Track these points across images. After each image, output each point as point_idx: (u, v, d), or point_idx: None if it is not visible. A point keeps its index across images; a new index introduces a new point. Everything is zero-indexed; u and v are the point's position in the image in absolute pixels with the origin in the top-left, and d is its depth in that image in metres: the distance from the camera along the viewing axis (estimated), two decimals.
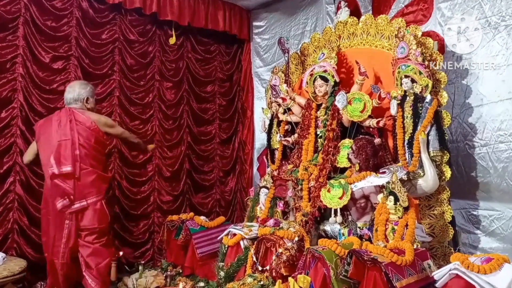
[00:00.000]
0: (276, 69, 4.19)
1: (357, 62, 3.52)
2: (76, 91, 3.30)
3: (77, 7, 4.13)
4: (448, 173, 3.01)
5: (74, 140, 3.10)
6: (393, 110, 3.19)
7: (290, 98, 3.91)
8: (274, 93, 4.06)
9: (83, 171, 3.10)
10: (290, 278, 2.60)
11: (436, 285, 2.31)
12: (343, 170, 3.36)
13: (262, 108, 4.42)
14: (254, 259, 3.08)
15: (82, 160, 3.11)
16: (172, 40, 4.77)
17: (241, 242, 3.30)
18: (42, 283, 3.30)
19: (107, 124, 3.35)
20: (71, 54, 4.10)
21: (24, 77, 3.85)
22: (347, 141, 3.36)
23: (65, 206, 3.03)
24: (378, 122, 3.27)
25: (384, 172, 3.03)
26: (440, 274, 2.27)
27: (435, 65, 3.17)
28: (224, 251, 3.38)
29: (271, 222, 3.28)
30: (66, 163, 3.07)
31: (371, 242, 2.74)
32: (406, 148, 3.10)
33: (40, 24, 3.94)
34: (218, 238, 3.55)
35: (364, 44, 3.70)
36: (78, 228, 3.09)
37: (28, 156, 3.43)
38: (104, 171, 3.32)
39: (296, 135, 3.87)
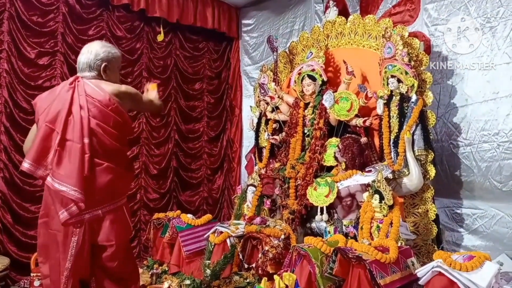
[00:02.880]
0: (264, 67, 4.19)
1: (344, 62, 3.54)
2: (92, 53, 2.24)
3: (64, 3, 4.09)
4: (432, 172, 3.05)
5: (83, 124, 2.07)
6: (380, 109, 3.22)
7: (278, 97, 3.92)
8: (263, 91, 4.07)
9: (97, 168, 2.11)
10: (275, 276, 2.61)
11: (419, 282, 2.34)
12: (329, 168, 3.38)
13: (250, 106, 4.42)
14: (241, 257, 3.09)
15: (94, 152, 2.10)
16: (160, 37, 4.74)
17: (228, 240, 3.30)
18: (25, 281, 3.26)
19: (131, 97, 2.27)
20: (57, 50, 4.06)
21: (8, 72, 3.80)
22: (334, 140, 3.39)
23: (72, 216, 2.06)
24: (364, 121, 3.29)
25: (370, 171, 3.06)
26: (423, 272, 2.30)
27: (421, 65, 3.21)
28: (211, 249, 3.38)
29: (257, 220, 3.28)
30: (63, 157, 2.07)
31: (356, 240, 2.76)
32: (392, 147, 3.13)
33: (26, 19, 3.88)
34: (205, 236, 3.55)
35: (351, 44, 3.73)
36: (91, 247, 2.15)
37: (28, 144, 2.34)
38: (126, 167, 2.34)
39: (283, 133, 3.88)
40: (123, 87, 2.27)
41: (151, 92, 2.65)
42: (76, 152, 2.06)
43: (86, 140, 2.08)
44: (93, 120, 2.11)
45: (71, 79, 2.22)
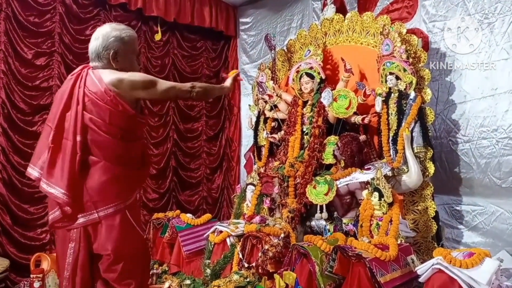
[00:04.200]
0: (262, 65, 4.18)
1: (342, 59, 3.53)
2: (99, 39, 1.99)
3: (61, 3, 4.07)
4: (431, 169, 3.04)
5: (77, 119, 1.85)
6: (378, 107, 3.21)
7: (277, 95, 3.91)
8: (261, 90, 4.06)
9: (92, 167, 1.89)
10: (275, 275, 2.61)
11: (420, 279, 2.33)
12: (328, 166, 3.38)
13: (249, 105, 4.41)
14: (240, 256, 3.08)
15: (89, 150, 1.88)
16: (158, 36, 4.73)
17: (227, 239, 3.30)
18: (26, 283, 3.25)
19: (136, 85, 1.94)
20: (54, 50, 4.04)
21: (6, 73, 3.78)
22: (333, 138, 3.38)
23: (56, 221, 1.87)
24: (363, 119, 3.29)
25: (369, 169, 3.06)
26: (423, 269, 2.30)
27: (419, 62, 3.20)
28: (211, 249, 3.38)
29: (257, 219, 3.28)
30: (56, 157, 1.86)
31: (356, 238, 2.76)
32: (391, 145, 3.12)
33: (22, 19, 3.87)
34: (205, 235, 3.54)
35: (349, 41, 3.72)
36: (91, 255, 1.92)
37: None
38: (133, 166, 2.04)
39: (282, 132, 3.87)
40: (126, 75, 1.94)
41: (228, 80, 2.38)
42: (68, 150, 1.85)
43: (78, 138, 1.85)
44: (87, 115, 1.89)
45: (78, 68, 2.01)
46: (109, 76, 1.92)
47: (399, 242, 2.61)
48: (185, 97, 2.13)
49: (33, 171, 1.93)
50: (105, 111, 1.89)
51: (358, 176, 3.05)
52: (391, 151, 3.11)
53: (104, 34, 1.99)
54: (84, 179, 1.88)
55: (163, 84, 2.02)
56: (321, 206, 3.10)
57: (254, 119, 4.19)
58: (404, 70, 3.09)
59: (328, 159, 3.35)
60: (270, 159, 3.97)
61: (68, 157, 1.84)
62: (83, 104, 1.88)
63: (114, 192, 1.95)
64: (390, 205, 2.76)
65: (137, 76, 1.98)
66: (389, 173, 2.99)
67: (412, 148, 3.01)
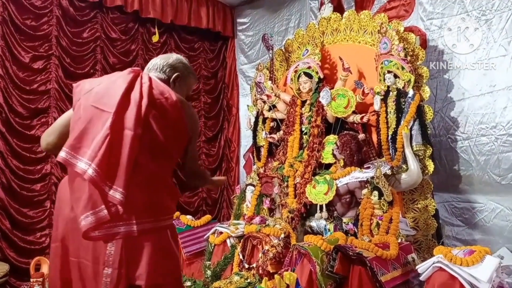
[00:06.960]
0: (260, 66, 4.18)
1: (340, 58, 3.52)
2: (170, 59, 1.86)
3: (57, 6, 4.06)
4: (431, 167, 3.03)
5: (141, 111, 1.56)
6: (377, 105, 3.21)
7: (275, 95, 3.91)
8: (259, 90, 4.05)
9: (143, 168, 1.57)
10: (276, 275, 2.60)
11: (420, 278, 2.33)
12: (328, 166, 3.37)
13: (247, 106, 4.41)
14: (241, 257, 3.08)
15: (144, 149, 1.57)
16: (155, 38, 4.73)
17: (228, 241, 3.30)
18: (26, 287, 3.25)
19: (192, 123, 1.74)
20: (52, 53, 4.03)
21: (3, 77, 3.78)
22: (332, 137, 3.38)
23: (98, 223, 1.47)
24: (362, 118, 3.28)
25: (368, 167, 3.05)
26: (424, 267, 2.29)
27: (417, 60, 3.20)
28: (211, 250, 3.37)
29: (257, 219, 3.28)
30: (113, 146, 1.52)
31: (357, 237, 2.76)
32: (390, 143, 3.12)
33: (19, 23, 3.86)
34: (205, 237, 3.54)
35: (347, 40, 3.71)
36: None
37: (49, 136, 1.74)
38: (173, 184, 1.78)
39: (281, 132, 3.87)
40: (195, 116, 1.79)
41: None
42: (127, 142, 1.52)
43: (139, 130, 1.55)
44: (152, 111, 1.59)
45: (132, 69, 1.75)
46: (182, 100, 1.70)
47: (399, 240, 2.61)
48: (189, 171, 1.87)
49: (80, 163, 1.51)
50: (171, 115, 1.65)
51: (358, 175, 3.04)
52: (390, 149, 3.11)
53: (177, 57, 1.89)
54: (131, 181, 1.52)
55: (196, 148, 1.90)
56: (321, 206, 3.09)
57: (253, 120, 4.18)
58: (402, 68, 3.09)
59: (328, 158, 3.34)
60: (269, 159, 3.96)
61: (127, 149, 1.52)
62: (149, 99, 1.60)
63: (160, 205, 1.63)
64: (390, 203, 2.76)
65: (198, 122, 1.80)
66: (389, 172, 2.98)
67: (411, 146, 3.00)
